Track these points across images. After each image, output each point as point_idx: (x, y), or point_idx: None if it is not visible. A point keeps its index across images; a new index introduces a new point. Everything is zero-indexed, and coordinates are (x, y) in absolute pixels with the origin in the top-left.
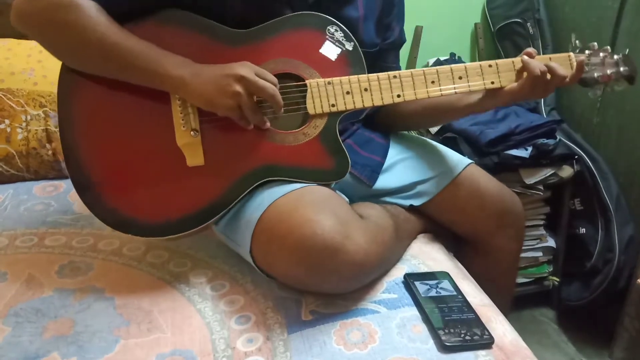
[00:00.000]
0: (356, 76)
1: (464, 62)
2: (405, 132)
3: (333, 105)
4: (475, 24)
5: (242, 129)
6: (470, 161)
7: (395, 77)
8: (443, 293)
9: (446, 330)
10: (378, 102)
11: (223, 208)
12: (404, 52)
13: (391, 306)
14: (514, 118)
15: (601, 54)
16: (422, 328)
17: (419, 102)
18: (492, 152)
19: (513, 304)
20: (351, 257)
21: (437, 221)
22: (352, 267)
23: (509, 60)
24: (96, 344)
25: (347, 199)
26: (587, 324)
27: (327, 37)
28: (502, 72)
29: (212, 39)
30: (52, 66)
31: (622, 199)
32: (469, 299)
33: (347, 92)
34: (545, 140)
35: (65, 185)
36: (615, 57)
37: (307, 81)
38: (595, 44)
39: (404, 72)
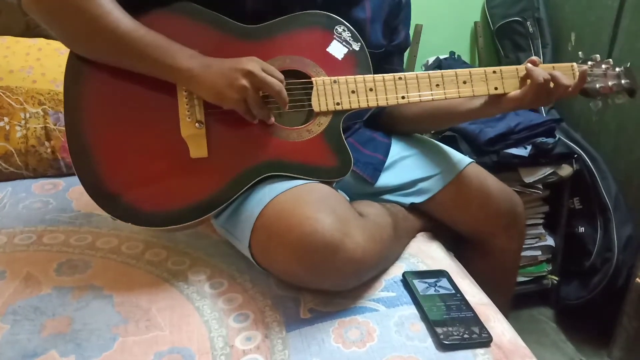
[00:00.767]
0: (362, 76)
1: (463, 61)
2: None
3: (338, 104)
4: (475, 23)
5: (246, 123)
6: (471, 160)
7: (400, 78)
8: (442, 291)
9: (445, 329)
10: (382, 103)
11: (224, 201)
12: None
13: (390, 304)
14: (513, 117)
15: (603, 66)
16: (421, 326)
17: (422, 105)
18: (491, 151)
19: (512, 303)
20: (350, 254)
21: (437, 219)
22: (351, 264)
23: (513, 67)
24: (94, 342)
25: (347, 197)
26: (586, 323)
27: (334, 36)
28: (505, 79)
29: (222, 33)
30: (50, 64)
31: (621, 198)
32: (467, 297)
33: (353, 92)
34: (545, 139)
35: (64, 184)
36: (617, 69)
37: (313, 79)
38: (598, 56)
39: (409, 74)
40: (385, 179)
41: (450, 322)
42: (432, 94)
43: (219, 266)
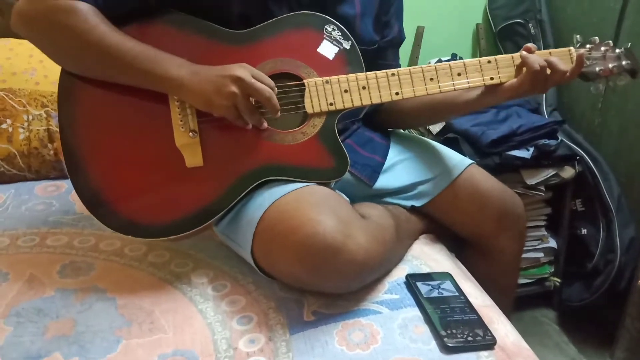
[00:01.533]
0: (354, 75)
1: None
2: (406, 133)
3: (331, 104)
4: (477, 25)
5: (240, 129)
6: (471, 161)
7: (393, 75)
8: (445, 294)
9: (448, 331)
10: (376, 100)
11: (223, 208)
12: (406, 53)
13: (393, 307)
14: (515, 119)
15: (602, 48)
16: (424, 329)
17: (418, 99)
18: (493, 153)
19: (514, 305)
20: (352, 256)
21: (438, 222)
22: (354, 266)
23: (508, 55)
24: (98, 344)
25: (348, 199)
26: (589, 324)
27: (324, 36)
28: (501, 68)
29: (210, 40)
30: (53, 66)
31: (624, 200)
32: (471, 299)
33: (345, 91)
34: (547, 141)
35: (67, 185)
36: (617, 50)
37: (305, 80)
38: (597, 38)
39: (402, 69)
40: (385, 182)
41: (454, 325)
42: (426, 89)
43: (222, 268)
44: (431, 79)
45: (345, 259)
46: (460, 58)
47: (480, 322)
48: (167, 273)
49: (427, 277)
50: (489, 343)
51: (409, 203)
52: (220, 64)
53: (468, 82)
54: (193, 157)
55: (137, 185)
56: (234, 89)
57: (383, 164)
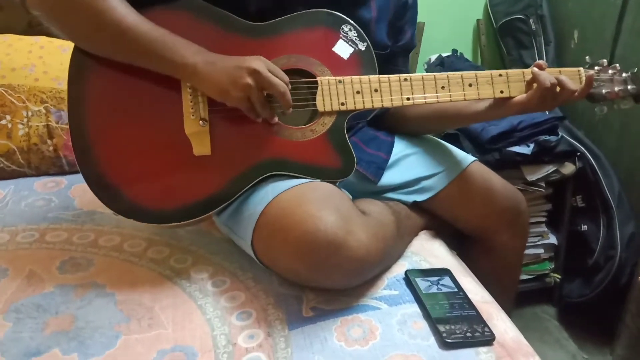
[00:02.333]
0: (367, 76)
1: (466, 59)
2: None
3: (343, 104)
4: (478, 20)
5: (250, 122)
6: (474, 158)
7: (406, 79)
8: (444, 290)
9: (447, 327)
10: (387, 104)
11: (226, 199)
12: None
13: (392, 302)
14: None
15: (610, 71)
16: (423, 324)
17: (426, 107)
18: (494, 149)
19: (515, 301)
20: (353, 252)
21: (440, 217)
22: (354, 262)
23: (520, 70)
24: (97, 339)
25: (350, 196)
26: (589, 321)
27: (340, 35)
28: (511, 82)
29: (226, 30)
30: (53, 62)
31: (624, 196)
32: (470, 295)
33: (358, 92)
34: (547, 137)
35: (67, 182)
36: (624, 75)
37: (318, 78)
38: (605, 61)
39: (415, 75)
40: (388, 177)
41: (453, 321)
42: (437, 96)
43: (222, 264)
44: (442, 87)
45: (345, 255)
46: (461, 54)
47: (479, 318)
48: (167, 269)
49: (426, 273)
50: (487, 339)
51: (411, 198)
52: (235, 55)
53: (478, 94)
54: (201, 146)
55: (143, 169)
56: (249, 80)
57: (388, 160)
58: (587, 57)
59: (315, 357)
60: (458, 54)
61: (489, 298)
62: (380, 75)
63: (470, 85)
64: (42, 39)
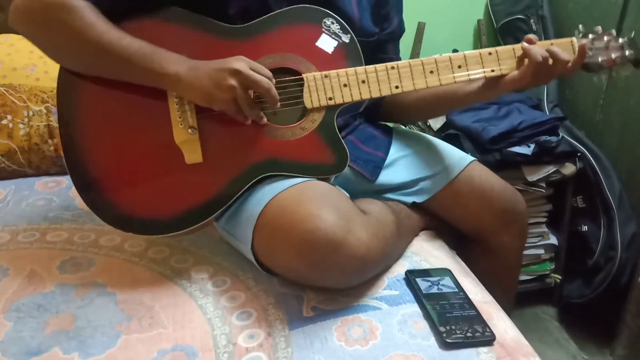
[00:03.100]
0: (353, 69)
1: None
2: (408, 129)
3: (330, 99)
4: (478, 21)
5: (239, 125)
6: (473, 158)
7: (393, 68)
8: (444, 290)
9: (447, 327)
10: (376, 94)
11: (223, 204)
12: (407, 49)
13: (392, 303)
14: (516, 115)
15: (605, 38)
16: (424, 325)
17: (419, 92)
18: (494, 149)
19: (515, 302)
20: (353, 251)
21: (439, 218)
22: (354, 262)
23: (510, 47)
24: (98, 339)
25: (348, 195)
26: (589, 321)
27: (323, 29)
28: (502, 60)
29: (208, 36)
30: (54, 62)
31: (625, 197)
32: (470, 296)
33: (345, 85)
34: (548, 137)
35: (67, 181)
36: (620, 40)
37: (303, 75)
38: (600, 28)
39: (402, 62)
40: (387, 177)
41: (453, 321)
42: (426, 82)
43: (222, 264)
44: (431, 72)
45: (345, 255)
46: None
47: (479, 318)
48: (167, 268)
49: (426, 273)
50: (488, 339)
51: (410, 199)
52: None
53: (469, 75)
54: (192, 154)
55: (137, 182)
56: (232, 82)
57: (385, 159)
58: (579, 26)
59: (315, 356)
60: None
61: (489, 298)
62: (367, 66)
63: (459, 67)
64: None
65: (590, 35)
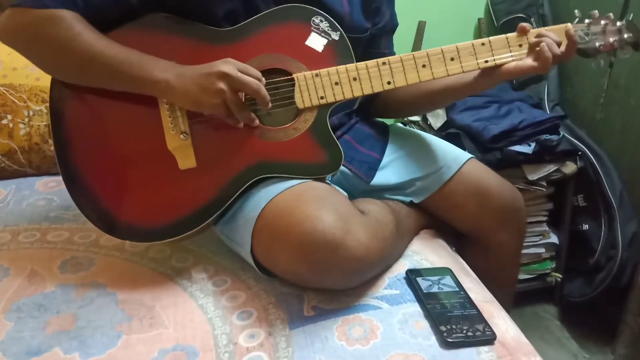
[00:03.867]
0: (344, 66)
1: None
2: (404, 128)
3: (322, 98)
4: (479, 19)
5: (232, 129)
6: (470, 156)
7: (384, 63)
8: (445, 289)
9: (448, 327)
10: (368, 91)
11: (218, 208)
12: (407, 48)
13: (393, 302)
14: (517, 114)
15: (602, 22)
16: (424, 324)
17: (414, 86)
18: (495, 148)
19: (515, 301)
20: (352, 252)
21: (437, 217)
22: (353, 262)
23: (503, 36)
24: (98, 339)
25: (346, 195)
26: (590, 320)
27: (312, 28)
28: (495, 50)
29: (196, 40)
30: None
31: (626, 196)
32: (471, 295)
33: (336, 83)
34: (549, 136)
35: None
36: (618, 23)
37: (294, 75)
38: (597, 12)
39: (393, 57)
40: (383, 178)
41: (454, 320)
42: (419, 76)
43: (223, 263)
44: (424, 66)
45: (344, 255)
46: None
47: (480, 318)
48: (168, 268)
49: (427, 272)
50: (489, 338)
51: (408, 199)
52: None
53: (462, 67)
54: (186, 159)
55: (131, 189)
56: (221, 85)
57: (380, 160)
58: (576, 11)
59: (316, 356)
60: None
61: (489, 297)
62: (358, 63)
63: (452, 59)
64: None
65: (587, 20)
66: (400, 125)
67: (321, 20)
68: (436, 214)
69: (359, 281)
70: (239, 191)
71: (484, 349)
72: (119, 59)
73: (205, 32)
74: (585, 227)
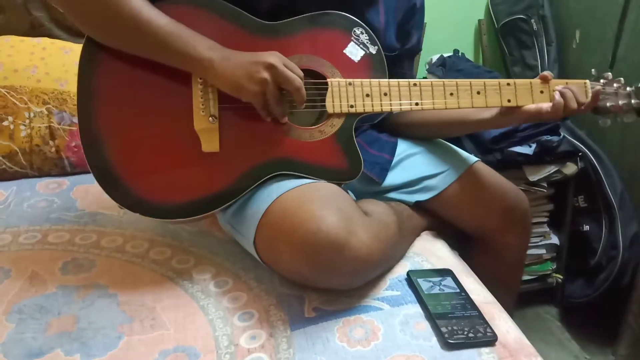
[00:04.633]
0: (377, 80)
1: (467, 59)
2: None
3: (352, 107)
4: (479, 20)
5: (259, 120)
6: (477, 159)
7: (415, 85)
8: (446, 290)
9: (449, 328)
10: (396, 108)
11: (232, 197)
12: None
13: (394, 303)
14: None
15: (615, 85)
16: (425, 325)
17: (433, 112)
18: (495, 149)
19: (517, 301)
20: (355, 253)
21: (442, 217)
22: (356, 263)
23: (527, 80)
24: (100, 340)
25: (353, 196)
26: (591, 321)
27: (352, 38)
28: (519, 92)
29: (240, 28)
30: (55, 64)
31: (626, 196)
32: (472, 296)
33: (367, 95)
34: (549, 137)
35: (69, 182)
36: (628, 89)
37: (328, 80)
38: (610, 74)
39: (424, 81)
40: (392, 178)
41: (455, 321)
42: (445, 103)
43: (224, 265)
44: (451, 94)
45: (347, 256)
46: (463, 54)
47: (481, 319)
48: (169, 269)
49: (428, 273)
50: (490, 339)
51: (413, 198)
52: (248, 52)
53: (486, 102)
54: (210, 142)
55: (151, 163)
56: (266, 75)
57: (391, 161)
58: (592, 70)
59: (317, 357)
60: (459, 54)
61: (491, 298)
62: (390, 80)
63: (478, 92)
64: (44, 41)
65: (602, 80)
66: None
67: (362, 32)
68: (442, 214)
69: (361, 282)
70: (256, 184)
71: (485, 350)
72: (167, 30)
73: (250, 22)
74: (586, 228)
